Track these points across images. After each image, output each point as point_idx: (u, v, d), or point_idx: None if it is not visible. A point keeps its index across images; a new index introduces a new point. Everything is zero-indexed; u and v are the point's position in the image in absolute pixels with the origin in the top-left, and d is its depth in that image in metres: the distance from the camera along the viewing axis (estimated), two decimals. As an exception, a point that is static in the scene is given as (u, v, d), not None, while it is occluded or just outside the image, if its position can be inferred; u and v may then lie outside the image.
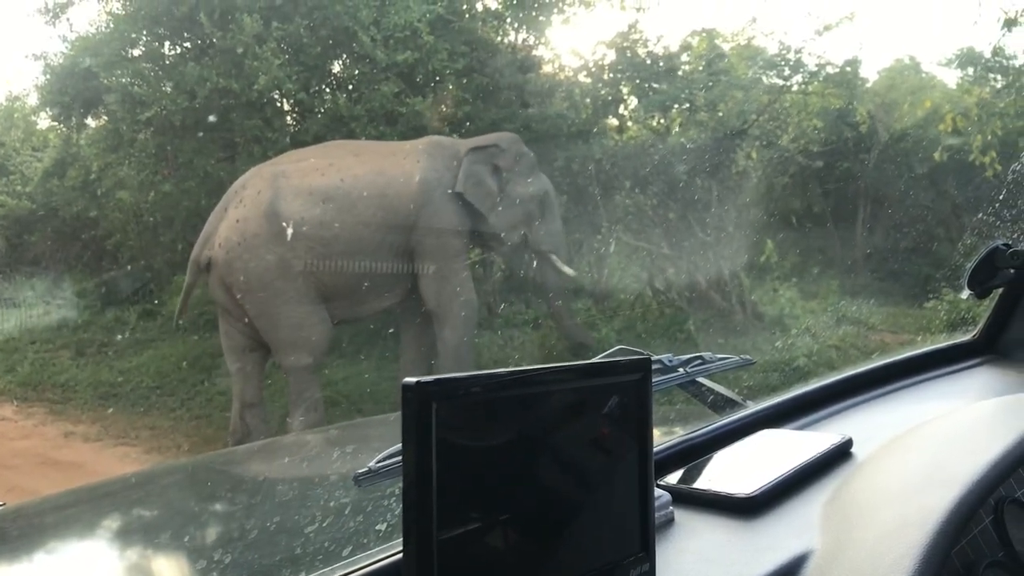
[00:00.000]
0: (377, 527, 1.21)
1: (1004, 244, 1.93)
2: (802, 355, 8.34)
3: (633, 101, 11.27)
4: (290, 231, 7.57)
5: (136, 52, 10.84)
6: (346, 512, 1.28)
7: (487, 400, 0.79)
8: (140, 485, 1.86)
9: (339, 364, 9.62)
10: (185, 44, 10.97)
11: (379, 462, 1.14)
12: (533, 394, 0.85)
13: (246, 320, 7.64)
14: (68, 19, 11.35)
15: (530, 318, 10.47)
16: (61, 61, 11.38)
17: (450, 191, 8.11)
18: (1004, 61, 11.48)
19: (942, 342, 2.23)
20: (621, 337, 9.36)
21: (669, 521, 1.20)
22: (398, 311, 8.58)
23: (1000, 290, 2.10)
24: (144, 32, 10.81)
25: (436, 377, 0.73)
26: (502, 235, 8.45)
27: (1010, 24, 9.57)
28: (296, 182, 7.77)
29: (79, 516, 1.75)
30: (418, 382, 0.71)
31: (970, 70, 13.16)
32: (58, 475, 7.36)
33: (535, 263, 8.89)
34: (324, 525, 1.25)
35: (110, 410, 9.60)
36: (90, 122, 11.96)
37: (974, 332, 2.22)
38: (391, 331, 9.50)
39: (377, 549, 1.08)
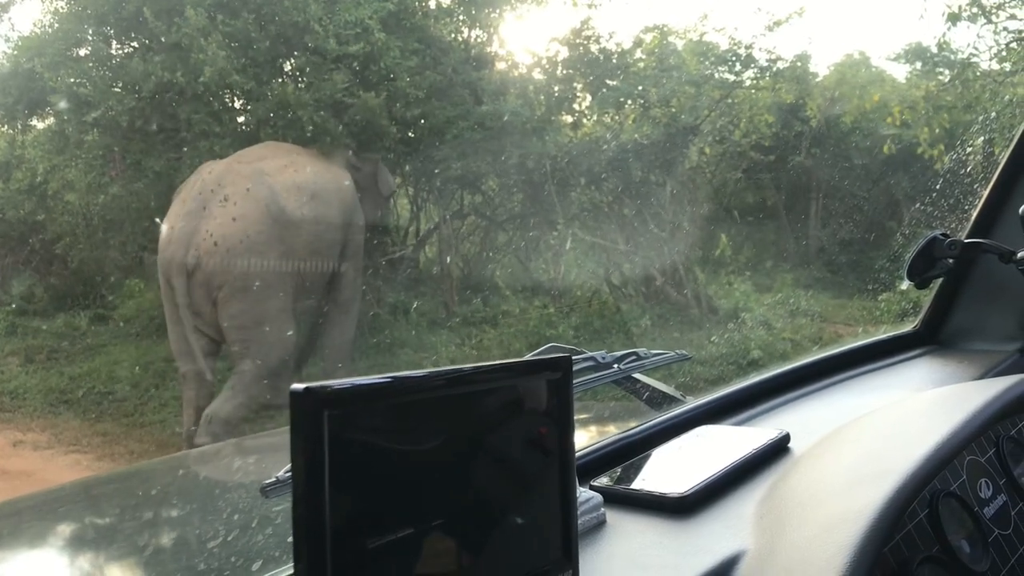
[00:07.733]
0: (289, 539, 1.16)
1: (942, 234, 1.93)
2: (756, 348, 8.41)
3: (587, 98, 11.30)
4: (293, 228, 7.78)
5: (82, 52, 10.62)
6: (253, 525, 1.23)
7: (392, 404, 0.73)
8: (55, 500, 1.79)
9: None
10: (132, 43, 10.78)
11: (287, 472, 1.09)
12: (447, 396, 0.79)
13: (217, 322, 7.58)
14: (10, 18, 11.15)
15: (488, 316, 10.43)
16: (4, 61, 11.13)
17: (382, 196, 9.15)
18: (949, 55, 11.65)
19: (889, 333, 2.23)
20: (578, 334, 9.36)
21: (601, 524, 1.16)
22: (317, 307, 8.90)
23: (940, 280, 2.11)
24: (90, 31, 10.61)
25: (328, 383, 0.67)
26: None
27: (954, 19, 9.69)
28: (282, 179, 7.88)
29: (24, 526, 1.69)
30: (307, 388, 0.65)
31: (917, 64, 13.36)
32: (5, 484, 7.18)
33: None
34: (229, 539, 1.20)
35: (60, 417, 9.39)
36: (35, 123, 11.71)
37: (915, 323, 2.22)
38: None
39: (288, 565, 1.03)
